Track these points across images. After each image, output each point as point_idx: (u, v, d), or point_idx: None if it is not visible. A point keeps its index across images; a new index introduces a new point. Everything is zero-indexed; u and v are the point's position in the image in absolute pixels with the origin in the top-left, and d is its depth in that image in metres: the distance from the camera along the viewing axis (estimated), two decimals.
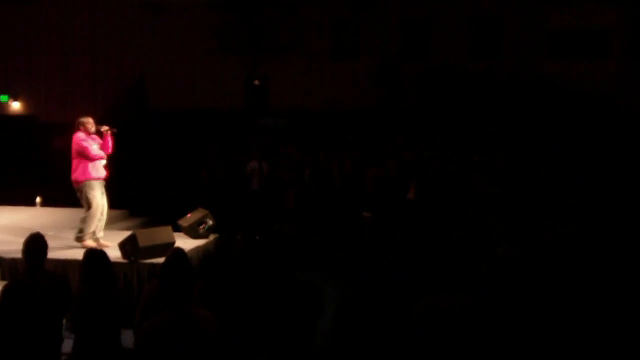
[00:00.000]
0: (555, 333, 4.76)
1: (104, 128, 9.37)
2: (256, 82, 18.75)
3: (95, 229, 9.32)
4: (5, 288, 5.44)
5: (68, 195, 9.52)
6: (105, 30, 19.21)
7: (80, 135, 9.15)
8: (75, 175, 9.13)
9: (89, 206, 9.18)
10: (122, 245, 8.48)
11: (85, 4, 19.08)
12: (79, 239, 9.26)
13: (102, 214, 9.38)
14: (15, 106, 19.60)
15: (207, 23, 18.44)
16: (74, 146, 9.11)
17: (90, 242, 9.23)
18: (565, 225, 8.08)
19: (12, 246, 8.43)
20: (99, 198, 9.23)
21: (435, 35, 17.96)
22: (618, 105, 16.16)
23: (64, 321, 5.58)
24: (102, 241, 9.33)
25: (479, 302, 4.46)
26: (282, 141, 15.27)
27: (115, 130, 9.46)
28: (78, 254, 8.53)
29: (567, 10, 16.84)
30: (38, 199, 12.62)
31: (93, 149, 9.14)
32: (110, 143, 9.39)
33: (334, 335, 4.57)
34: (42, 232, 5.86)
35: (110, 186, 10.88)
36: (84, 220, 9.21)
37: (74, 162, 9.14)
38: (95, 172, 9.17)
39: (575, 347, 5.11)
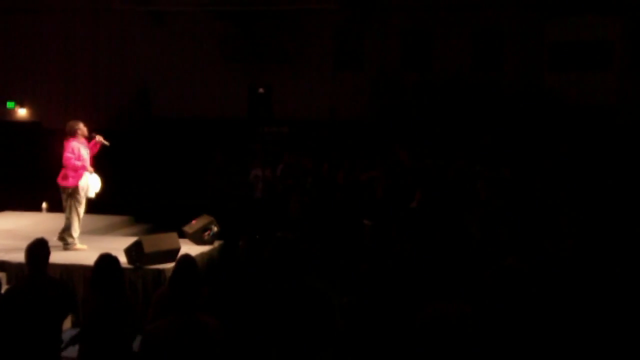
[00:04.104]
0: (559, 344, 4.82)
1: (98, 137, 9.58)
2: (261, 90, 18.87)
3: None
4: (5, 292, 5.50)
5: None
6: (109, 39, 19.31)
7: (73, 144, 9.35)
8: (67, 180, 9.31)
9: (73, 211, 9.37)
10: (128, 251, 8.56)
11: (90, 14, 19.20)
12: (69, 245, 9.39)
13: None
14: (22, 112, 19.73)
15: (210, 32, 18.53)
16: (63, 153, 9.35)
17: (80, 246, 9.41)
18: (569, 237, 8.13)
19: (18, 251, 8.50)
20: (84, 205, 9.45)
21: (437, 46, 18.05)
22: (619, 118, 16.22)
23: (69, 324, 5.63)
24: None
25: (479, 311, 4.51)
26: (286, 149, 15.34)
27: (107, 144, 9.67)
28: (83, 259, 8.65)
29: (568, 22, 16.91)
30: (44, 205, 12.70)
31: (74, 161, 9.33)
32: (95, 150, 9.61)
33: (337, 342, 4.63)
34: (48, 237, 5.93)
35: (116, 193, 10.95)
36: (70, 227, 9.40)
37: (65, 167, 9.36)
38: (79, 180, 9.42)
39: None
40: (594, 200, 9.90)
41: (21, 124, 19.51)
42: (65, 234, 9.44)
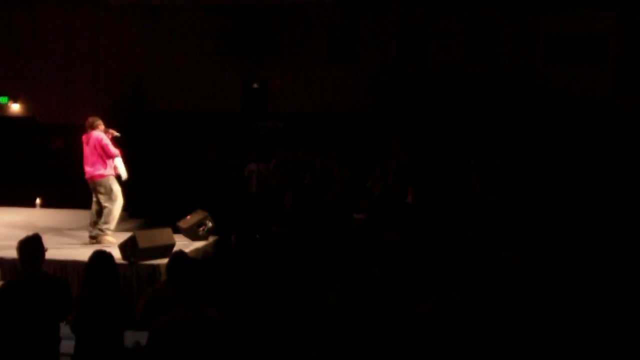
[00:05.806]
0: (556, 338, 4.82)
1: (112, 132, 9.70)
2: (255, 85, 18.85)
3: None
4: (0, 289, 5.46)
5: (67, 196, 9.63)
6: (104, 33, 19.25)
7: (100, 134, 9.45)
8: (99, 171, 9.33)
9: (113, 199, 9.39)
10: (122, 247, 8.53)
11: (85, 7, 19.12)
12: (100, 235, 9.36)
13: None
14: (15, 108, 19.65)
15: (204, 26, 18.48)
16: (97, 145, 9.35)
17: (110, 238, 9.38)
18: (564, 229, 8.15)
19: (13, 247, 8.47)
20: (120, 192, 9.52)
21: (432, 39, 18.07)
22: (614, 111, 16.25)
23: (64, 322, 5.60)
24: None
25: (476, 307, 4.51)
26: (280, 144, 15.32)
27: (118, 135, 9.85)
28: (77, 255, 8.61)
29: (563, 16, 16.95)
30: (38, 200, 12.66)
31: (112, 148, 9.49)
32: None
33: (330, 338, 4.62)
34: (42, 233, 5.88)
35: None
36: (110, 214, 9.42)
37: (94, 160, 9.33)
38: (112, 170, 9.49)
39: (576, 352, 5.16)
40: (589, 193, 9.92)
41: (15, 119, 19.44)
42: (101, 221, 9.41)
